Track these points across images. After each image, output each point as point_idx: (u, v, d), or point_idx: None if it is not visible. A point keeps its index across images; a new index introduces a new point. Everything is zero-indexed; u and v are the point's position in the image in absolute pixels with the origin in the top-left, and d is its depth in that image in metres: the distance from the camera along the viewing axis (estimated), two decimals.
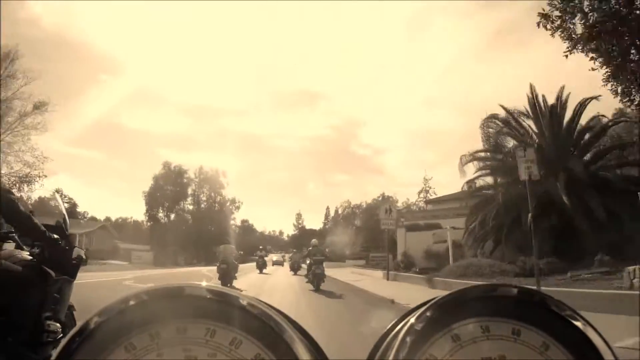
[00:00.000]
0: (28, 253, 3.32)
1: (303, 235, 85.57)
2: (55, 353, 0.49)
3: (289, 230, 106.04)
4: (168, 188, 65.46)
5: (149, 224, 67.54)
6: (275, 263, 49.09)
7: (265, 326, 0.52)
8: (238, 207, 73.76)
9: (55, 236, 3.30)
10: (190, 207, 68.38)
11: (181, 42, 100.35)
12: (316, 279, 14.11)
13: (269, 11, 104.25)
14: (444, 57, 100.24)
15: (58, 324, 3.12)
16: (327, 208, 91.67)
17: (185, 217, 67.40)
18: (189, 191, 68.54)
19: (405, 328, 0.55)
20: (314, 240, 16.26)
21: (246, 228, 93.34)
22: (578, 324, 0.54)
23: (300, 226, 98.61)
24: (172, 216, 66.40)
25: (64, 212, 3.85)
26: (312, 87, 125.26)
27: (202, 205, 68.63)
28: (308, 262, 15.59)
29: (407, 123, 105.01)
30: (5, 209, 3.04)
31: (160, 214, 66.67)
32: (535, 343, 0.57)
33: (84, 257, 3.82)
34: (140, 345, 0.53)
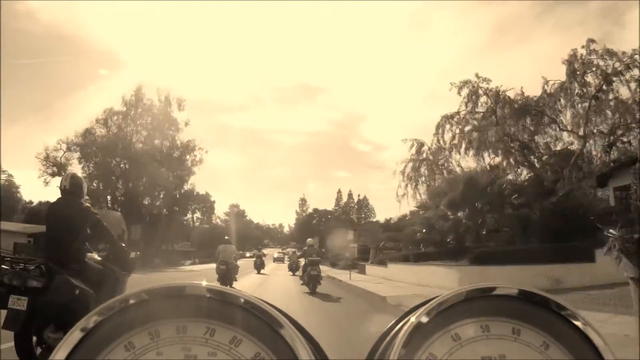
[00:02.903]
0: (97, 255, 4.40)
1: (310, 221, 75.18)
2: (54, 351, 0.49)
3: (290, 222, 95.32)
4: None
5: None
6: (275, 260, 48.30)
7: (265, 325, 0.52)
8: (200, 161, 42.99)
9: (122, 244, 4.52)
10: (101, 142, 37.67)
11: (182, 36, 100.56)
12: (312, 282, 13.38)
13: (271, 7, 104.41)
14: (445, 52, 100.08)
15: None
16: (339, 192, 79.69)
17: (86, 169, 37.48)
18: (112, 129, 38.52)
19: (405, 327, 0.55)
20: (309, 239, 15.60)
21: (237, 215, 78.87)
22: (578, 323, 0.55)
23: (304, 214, 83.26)
24: None
25: (124, 226, 5.23)
26: (313, 82, 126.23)
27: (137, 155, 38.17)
28: (303, 262, 14.93)
29: (409, 119, 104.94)
30: (94, 225, 4.15)
31: None
32: (535, 342, 0.57)
33: (136, 258, 5.02)
34: (139, 344, 0.53)
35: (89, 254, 4.29)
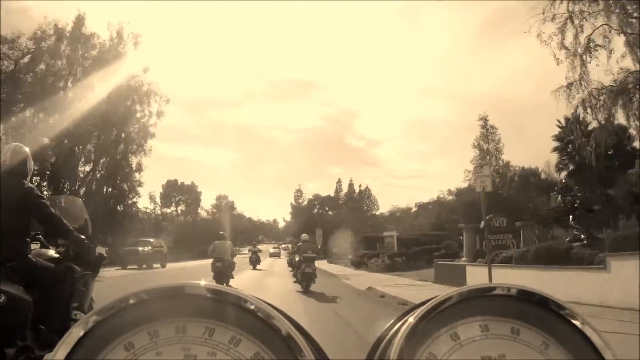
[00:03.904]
0: (54, 251, 3.73)
1: (310, 210, 66.38)
2: (54, 351, 0.48)
3: (285, 216, 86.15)
4: None
5: None
6: (271, 255, 48.27)
7: (264, 325, 0.52)
8: (158, 114, 29.70)
9: (82, 236, 3.67)
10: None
11: (175, 32, 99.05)
12: (305, 279, 12.72)
13: (264, 2, 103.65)
14: (438, 46, 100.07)
15: (83, 314, 3.49)
16: (339, 181, 71.08)
17: None
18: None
19: (405, 327, 0.55)
20: (304, 235, 14.80)
21: (226, 208, 70.36)
22: (577, 322, 0.55)
23: (300, 205, 72.67)
24: None
25: (86, 215, 4.49)
26: (306, 77, 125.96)
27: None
28: (297, 259, 14.42)
29: (402, 114, 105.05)
30: (38, 212, 3.39)
31: None
32: (534, 342, 0.57)
33: (105, 254, 4.35)
34: (139, 344, 0.53)
35: (43, 250, 3.66)
